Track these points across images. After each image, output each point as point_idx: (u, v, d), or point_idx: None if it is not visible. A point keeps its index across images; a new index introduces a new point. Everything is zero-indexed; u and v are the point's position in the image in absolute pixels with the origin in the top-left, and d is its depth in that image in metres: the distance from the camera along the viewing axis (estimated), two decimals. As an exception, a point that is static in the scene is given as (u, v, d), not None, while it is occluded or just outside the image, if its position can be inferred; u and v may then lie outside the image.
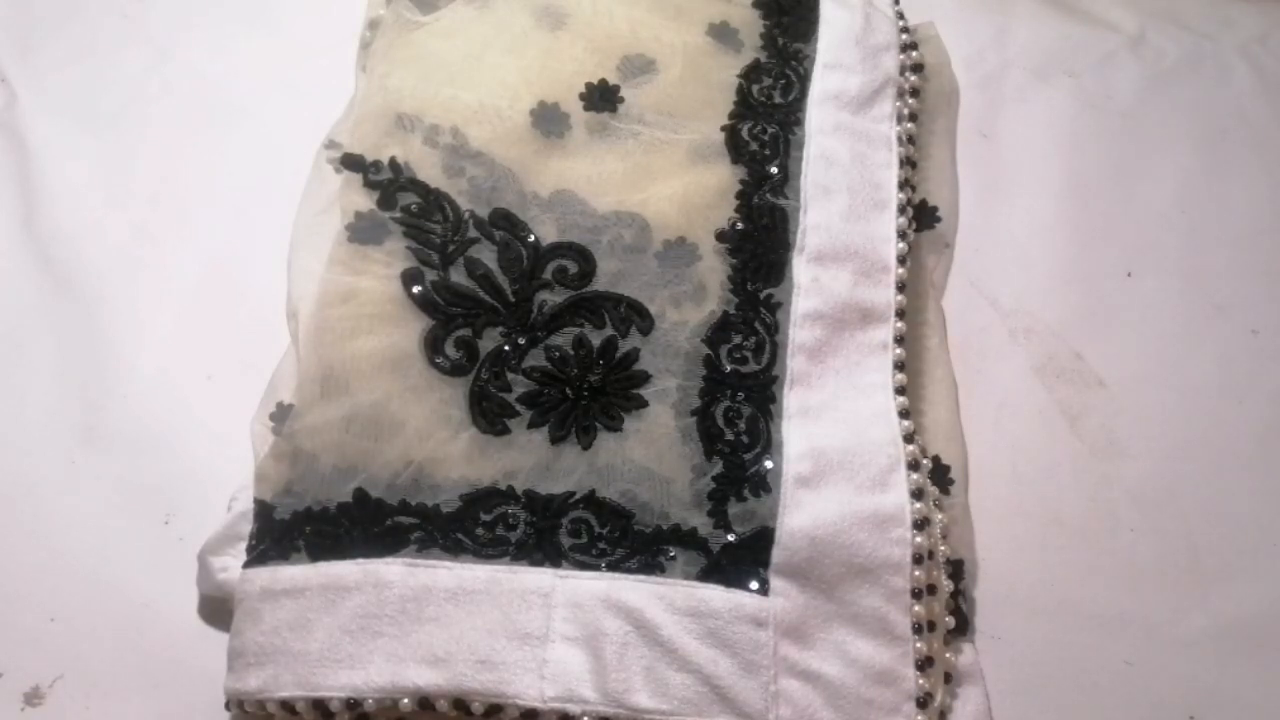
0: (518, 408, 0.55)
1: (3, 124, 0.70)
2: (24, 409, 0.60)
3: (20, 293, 0.64)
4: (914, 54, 0.69)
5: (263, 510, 0.53)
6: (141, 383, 0.61)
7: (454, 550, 0.51)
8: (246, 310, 0.62)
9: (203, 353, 0.62)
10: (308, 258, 0.60)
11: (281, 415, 0.55)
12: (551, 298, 0.57)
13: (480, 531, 0.51)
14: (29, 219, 0.66)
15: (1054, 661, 0.54)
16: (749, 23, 0.70)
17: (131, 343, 0.62)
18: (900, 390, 0.56)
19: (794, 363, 0.55)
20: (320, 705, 0.47)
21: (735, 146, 0.63)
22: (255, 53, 0.74)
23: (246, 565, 0.51)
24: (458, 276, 0.58)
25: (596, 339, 0.56)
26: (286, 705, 0.48)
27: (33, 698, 0.52)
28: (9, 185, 0.68)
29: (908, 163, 0.64)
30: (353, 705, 0.47)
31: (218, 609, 0.53)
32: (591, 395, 0.55)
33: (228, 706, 0.49)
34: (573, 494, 0.52)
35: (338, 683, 0.47)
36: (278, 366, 0.57)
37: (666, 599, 0.49)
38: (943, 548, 0.53)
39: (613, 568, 0.50)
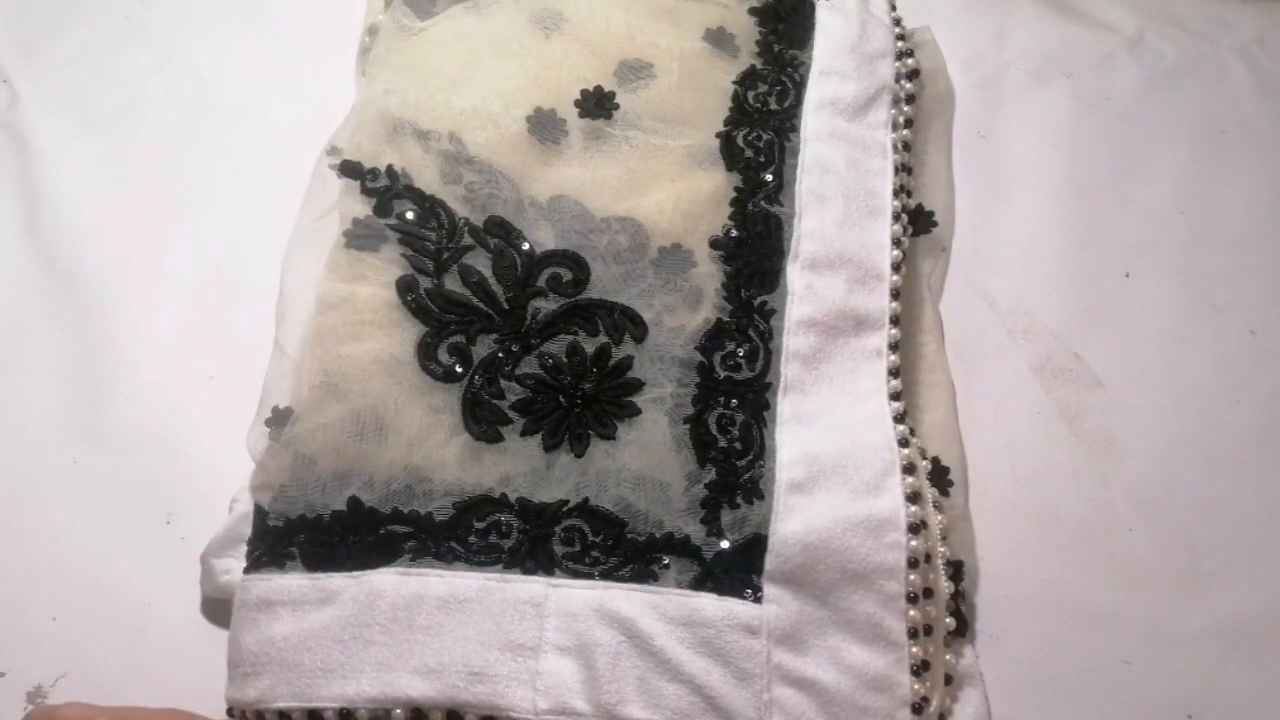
0: (511, 415, 0.55)
1: (5, 124, 0.71)
2: (26, 408, 0.60)
3: (22, 293, 0.64)
4: (910, 61, 0.69)
5: (258, 515, 0.53)
6: (143, 382, 0.61)
7: (447, 558, 0.51)
8: (248, 310, 0.62)
9: (204, 353, 0.62)
10: (305, 262, 0.60)
11: (278, 419, 0.55)
12: (545, 305, 0.58)
13: (473, 539, 0.51)
14: (30, 219, 0.67)
15: (1053, 661, 0.54)
16: (745, 29, 0.70)
17: (133, 342, 0.62)
18: (895, 396, 0.56)
19: (788, 369, 0.56)
20: (316, 716, 0.48)
21: (730, 153, 0.63)
22: (255, 54, 0.75)
23: (246, 571, 0.52)
24: (452, 284, 0.58)
25: (590, 346, 0.57)
26: (284, 716, 0.48)
27: (35, 697, 0.52)
28: (11, 185, 0.68)
29: (903, 169, 0.64)
30: (345, 716, 0.47)
31: (219, 608, 0.53)
32: (585, 403, 0.55)
33: (230, 714, 0.50)
34: (566, 502, 0.52)
35: (330, 693, 0.48)
36: (268, 373, 0.58)
37: (659, 608, 0.49)
38: (942, 549, 0.53)
39: (605, 576, 0.50)
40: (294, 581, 0.50)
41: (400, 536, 0.52)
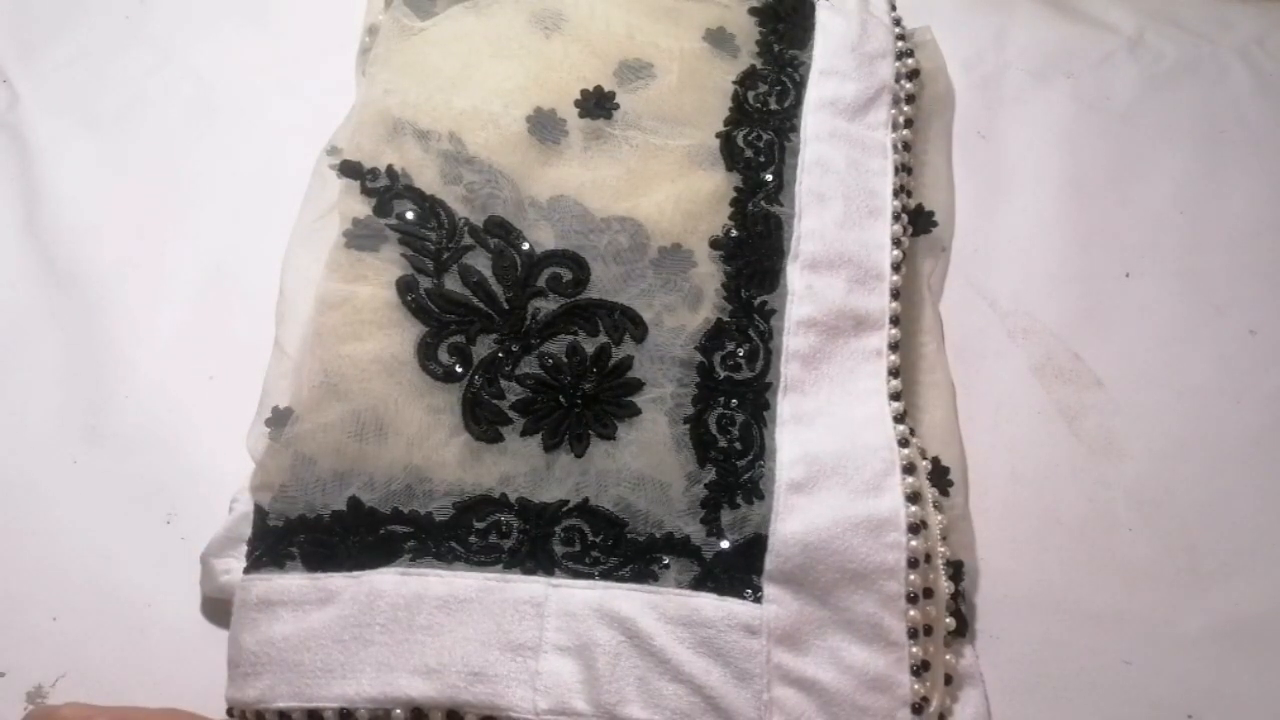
0: (511, 415, 0.55)
1: (4, 124, 0.71)
2: (26, 409, 0.60)
3: (22, 293, 0.64)
4: (910, 61, 0.69)
5: (258, 515, 0.53)
6: (143, 382, 0.61)
7: (447, 558, 0.51)
8: (248, 310, 0.62)
9: (204, 353, 0.62)
10: (305, 262, 0.60)
11: (278, 419, 0.55)
12: (545, 305, 0.58)
13: (473, 539, 0.51)
14: (30, 219, 0.66)
15: (1053, 661, 0.54)
16: (745, 29, 0.70)
17: (133, 342, 0.62)
18: (895, 396, 0.56)
19: (788, 369, 0.56)
20: (316, 716, 0.48)
21: (730, 153, 0.63)
22: (255, 54, 0.74)
23: (246, 571, 0.52)
24: (452, 284, 0.58)
25: (590, 346, 0.57)
26: (284, 716, 0.48)
27: (35, 697, 0.52)
28: (10, 185, 0.68)
29: (903, 169, 0.64)
30: (345, 715, 0.47)
31: (220, 608, 0.53)
32: (585, 403, 0.55)
33: (230, 714, 0.50)
34: (566, 502, 0.52)
35: (330, 693, 0.47)
36: (268, 373, 0.58)
37: (659, 608, 0.49)
38: (942, 549, 0.53)
39: (605, 576, 0.50)
40: (294, 581, 0.50)
41: (400, 536, 0.52)
